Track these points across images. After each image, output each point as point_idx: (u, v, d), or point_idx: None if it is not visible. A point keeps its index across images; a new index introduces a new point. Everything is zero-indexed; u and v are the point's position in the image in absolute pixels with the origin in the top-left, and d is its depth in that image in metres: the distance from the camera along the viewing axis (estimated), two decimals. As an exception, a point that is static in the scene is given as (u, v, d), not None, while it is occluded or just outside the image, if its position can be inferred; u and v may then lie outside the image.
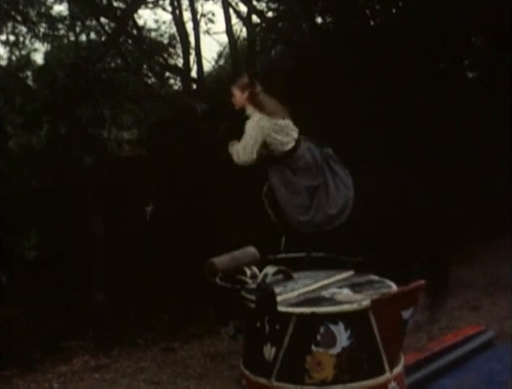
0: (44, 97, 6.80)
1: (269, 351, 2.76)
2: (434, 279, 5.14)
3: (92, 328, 7.66)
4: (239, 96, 5.47)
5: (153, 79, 9.55)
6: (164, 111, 7.28)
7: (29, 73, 7.47)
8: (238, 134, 7.98)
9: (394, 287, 2.89)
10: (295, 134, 5.33)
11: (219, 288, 2.89)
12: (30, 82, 7.45)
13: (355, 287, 2.95)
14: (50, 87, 6.99)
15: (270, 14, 11.49)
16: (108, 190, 6.47)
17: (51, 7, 9.06)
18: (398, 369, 2.79)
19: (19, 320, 6.80)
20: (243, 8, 11.42)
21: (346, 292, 2.89)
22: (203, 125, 7.45)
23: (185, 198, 6.08)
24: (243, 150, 5.45)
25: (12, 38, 8.84)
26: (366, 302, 2.69)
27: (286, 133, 5.26)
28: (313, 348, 2.69)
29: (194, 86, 10.30)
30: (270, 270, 2.97)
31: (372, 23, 10.81)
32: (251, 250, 3.11)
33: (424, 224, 5.40)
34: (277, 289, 2.83)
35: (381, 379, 2.72)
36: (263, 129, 5.36)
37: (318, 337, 2.69)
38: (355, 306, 2.70)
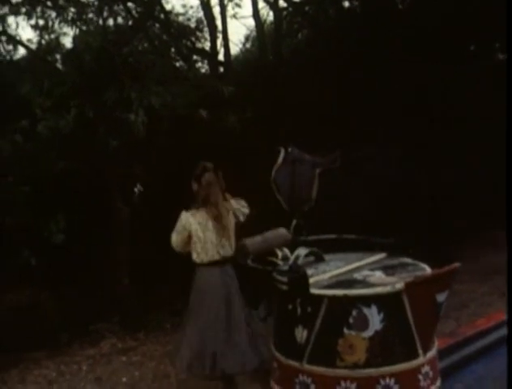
0: (72, 81, 6.79)
1: (301, 333, 2.74)
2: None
3: (119, 312, 7.69)
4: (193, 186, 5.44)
5: (180, 63, 9.51)
6: (191, 94, 7.22)
7: (58, 56, 7.47)
8: (263, 118, 7.98)
9: (428, 269, 2.84)
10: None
11: (250, 269, 2.87)
12: (59, 65, 7.45)
13: (387, 269, 2.91)
14: (78, 71, 6.98)
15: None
16: (134, 174, 6.46)
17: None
18: (431, 353, 2.75)
19: (47, 303, 6.84)
20: (270, -8, 11.35)
21: (378, 274, 2.85)
22: (230, 107, 7.43)
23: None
24: (172, 239, 5.48)
25: (41, 22, 8.86)
26: (400, 285, 2.65)
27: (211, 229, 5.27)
28: (346, 330, 2.66)
29: (221, 69, 10.27)
30: (301, 252, 2.94)
31: (400, 6, 10.68)
32: (282, 231, 3.08)
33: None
34: (309, 271, 2.80)
35: (414, 363, 2.68)
36: (185, 225, 5.38)
37: (351, 320, 2.66)
38: (388, 289, 2.66)
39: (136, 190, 5.94)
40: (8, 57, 7.84)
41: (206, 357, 4.90)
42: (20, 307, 7.85)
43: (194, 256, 5.16)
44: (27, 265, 6.91)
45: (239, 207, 5.25)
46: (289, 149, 6.03)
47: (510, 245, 2.71)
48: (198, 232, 5.14)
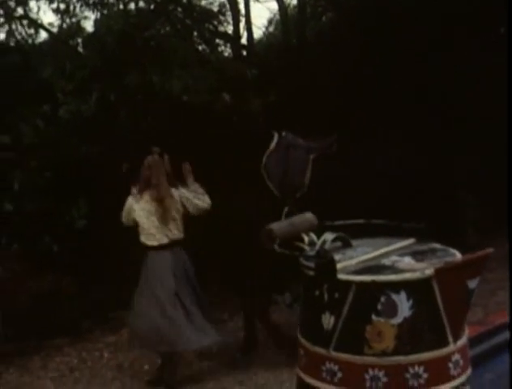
0: (94, 64, 6.81)
1: (328, 320, 2.70)
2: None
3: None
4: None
5: (203, 46, 9.51)
6: (213, 77, 7.22)
7: (79, 40, 7.50)
8: (286, 102, 7.94)
9: (458, 255, 2.80)
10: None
11: (276, 255, 2.84)
12: (80, 49, 7.48)
13: (417, 255, 2.86)
14: (99, 54, 7.00)
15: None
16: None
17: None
18: (462, 341, 2.70)
19: (68, 289, 6.89)
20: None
21: (408, 260, 2.81)
22: (253, 91, 7.42)
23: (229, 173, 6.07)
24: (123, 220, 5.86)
25: (63, 6, 8.89)
26: (430, 271, 2.61)
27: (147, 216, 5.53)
28: (374, 317, 2.62)
29: (244, 52, 10.24)
30: (328, 236, 2.90)
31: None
32: (309, 216, 3.04)
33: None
34: (336, 257, 2.76)
35: (444, 351, 2.64)
36: (129, 211, 5.75)
37: (379, 306, 2.61)
38: (418, 275, 2.62)
39: (124, 166, 6.02)
40: (30, 41, 7.88)
41: (154, 334, 5.44)
42: (42, 294, 7.92)
43: (143, 239, 5.33)
44: (48, 251, 6.96)
45: (188, 197, 5.54)
46: (283, 134, 6.06)
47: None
48: (142, 218, 5.43)
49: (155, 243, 5.56)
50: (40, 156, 6.69)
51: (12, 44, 7.69)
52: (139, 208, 5.57)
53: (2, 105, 6.73)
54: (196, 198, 5.65)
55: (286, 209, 5.55)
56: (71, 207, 6.91)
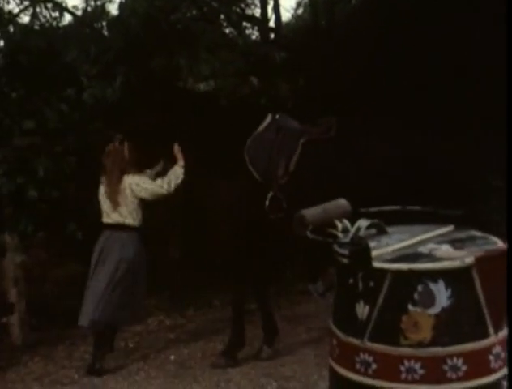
0: (119, 47, 6.80)
1: (362, 309, 2.67)
2: None
3: (168, 287, 7.73)
4: None
5: (230, 29, 9.46)
6: (241, 61, 7.19)
7: (104, 23, 7.51)
8: (315, 86, 7.89)
9: (499, 243, 2.74)
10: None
11: (309, 242, 2.80)
12: (104, 32, 7.48)
13: (455, 243, 2.81)
14: (124, 38, 6.99)
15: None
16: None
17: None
18: (503, 332, 2.65)
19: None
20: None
21: (446, 248, 2.76)
22: (282, 74, 7.37)
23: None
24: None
25: (87, -11, 8.92)
26: (469, 259, 2.56)
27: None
28: (410, 307, 2.58)
29: (272, 35, 10.19)
30: (363, 223, 2.86)
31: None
32: (342, 202, 3.00)
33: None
34: (371, 244, 2.72)
35: (484, 343, 2.59)
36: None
37: (416, 296, 2.58)
38: (457, 263, 2.57)
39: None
40: (54, 24, 7.90)
41: (92, 311, 5.95)
42: (67, 282, 7.96)
43: (102, 217, 6.22)
44: (73, 239, 6.99)
45: (138, 183, 6.04)
46: (277, 116, 5.98)
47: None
48: (101, 199, 6.21)
49: (107, 221, 6.17)
50: (64, 142, 6.70)
51: (36, 27, 7.71)
52: (101, 191, 6.22)
53: (26, 90, 6.74)
54: (153, 184, 6.04)
55: (270, 194, 5.58)
56: (96, 194, 6.91)
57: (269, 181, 5.63)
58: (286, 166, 5.65)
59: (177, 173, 5.97)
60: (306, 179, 5.60)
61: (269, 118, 5.94)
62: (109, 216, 6.16)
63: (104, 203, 6.18)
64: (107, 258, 6.10)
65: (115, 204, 6.10)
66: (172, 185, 5.96)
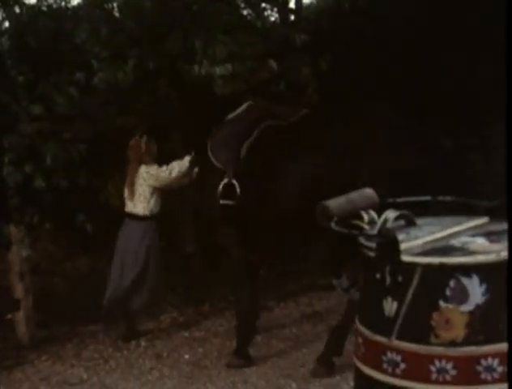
0: (130, 28, 6.79)
1: (390, 306, 2.65)
2: None
3: (182, 282, 7.73)
4: None
5: (248, 10, 9.40)
6: (259, 43, 7.15)
7: (115, 4, 7.49)
8: (338, 70, 7.84)
9: (538, 236, 2.70)
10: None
11: (333, 234, 2.78)
12: (116, 13, 7.46)
13: (490, 235, 2.78)
14: (137, 19, 6.97)
15: None
16: (199, 131, 6.41)
17: None
18: (541, 331, 2.61)
19: (104, 272, 6.91)
20: None
21: (480, 241, 2.73)
22: (303, 57, 7.33)
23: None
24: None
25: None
26: (506, 253, 2.53)
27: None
28: (441, 303, 2.56)
29: (292, 17, 10.12)
30: (390, 214, 2.83)
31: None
32: (369, 191, 2.98)
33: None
34: (399, 236, 2.69)
35: (521, 342, 2.55)
36: None
37: (447, 291, 2.55)
38: (492, 257, 2.54)
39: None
40: (63, 5, 7.89)
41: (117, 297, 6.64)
42: (75, 277, 7.98)
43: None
44: (82, 231, 6.99)
45: (149, 171, 6.61)
46: (250, 102, 6.12)
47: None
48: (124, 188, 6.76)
49: (126, 210, 6.76)
50: (74, 128, 6.70)
51: (44, 8, 7.70)
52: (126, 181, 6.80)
53: (34, 73, 6.74)
54: (158, 170, 6.63)
55: (224, 181, 5.78)
56: (107, 184, 6.93)
57: (225, 168, 5.81)
58: (238, 152, 5.82)
59: (182, 163, 6.52)
60: (257, 166, 5.80)
61: (245, 105, 6.14)
62: (127, 205, 6.71)
63: (125, 193, 6.73)
64: (121, 246, 6.68)
65: (131, 194, 6.65)
66: (174, 173, 6.54)
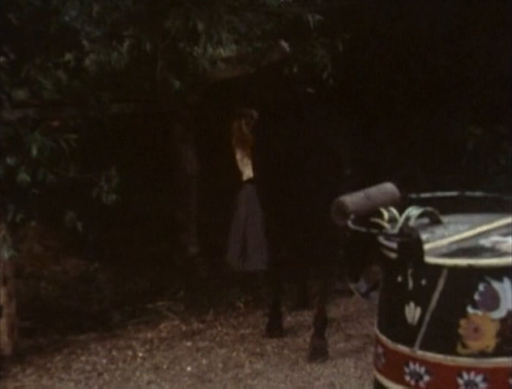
0: (126, 5, 6.82)
1: (412, 312, 2.68)
2: None
3: (184, 287, 7.77)
4: None
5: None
6: (269, 23, 7.19)
7: (110, -21, 7.53)
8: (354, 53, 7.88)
9: None
10: None
11: (350, 233, 2.82)
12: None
13: (525, 235, 2.81)
14: (133, -6, 7.01)
15: None
16: (202, 120, 6.48)
17: None
18: None
19: (97, 275, 6.96)
20: None
21: (512, 241, 2.76)
22: (317, 38, 7.35)
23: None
24: None
25: None
26: (541, 255, 2.56)
27: None
28: (470, 309, 2.59)
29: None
30: (413, 212, 2.86)
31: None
32: (389, 186, 3.01)
33: None
34: (423, 236, 2.73)
35: (559, 354, 2.59)
36: None
37: (476, 296, 2.58)
38: (527, 259, 2.57)
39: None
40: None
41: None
42: (65, 281, 8.03)
43: None
44: (72, 230, 7.02)
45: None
46: None
47: None
48: None
49: (247, 177, 7.58)
50: (63, 116, 6.74)
51: (30, -17, 7.74)
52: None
53: (18, 54, 6.77)
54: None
55: None
56: (100, 178, 6.95)
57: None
58: None
59: None
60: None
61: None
62: (245, 173, 7.63)
63: (242, 162, 7.66)
64: (247, 208, 7.67)
65: (243, 160, 7.60)
66: None
